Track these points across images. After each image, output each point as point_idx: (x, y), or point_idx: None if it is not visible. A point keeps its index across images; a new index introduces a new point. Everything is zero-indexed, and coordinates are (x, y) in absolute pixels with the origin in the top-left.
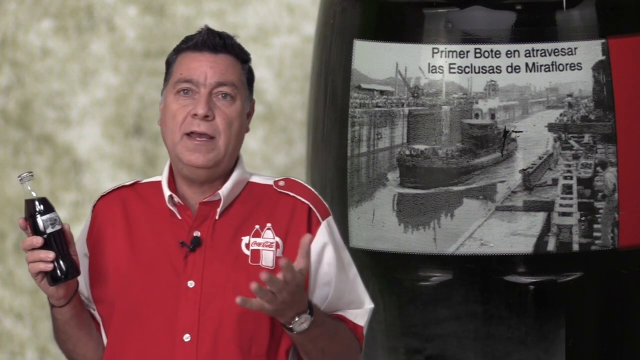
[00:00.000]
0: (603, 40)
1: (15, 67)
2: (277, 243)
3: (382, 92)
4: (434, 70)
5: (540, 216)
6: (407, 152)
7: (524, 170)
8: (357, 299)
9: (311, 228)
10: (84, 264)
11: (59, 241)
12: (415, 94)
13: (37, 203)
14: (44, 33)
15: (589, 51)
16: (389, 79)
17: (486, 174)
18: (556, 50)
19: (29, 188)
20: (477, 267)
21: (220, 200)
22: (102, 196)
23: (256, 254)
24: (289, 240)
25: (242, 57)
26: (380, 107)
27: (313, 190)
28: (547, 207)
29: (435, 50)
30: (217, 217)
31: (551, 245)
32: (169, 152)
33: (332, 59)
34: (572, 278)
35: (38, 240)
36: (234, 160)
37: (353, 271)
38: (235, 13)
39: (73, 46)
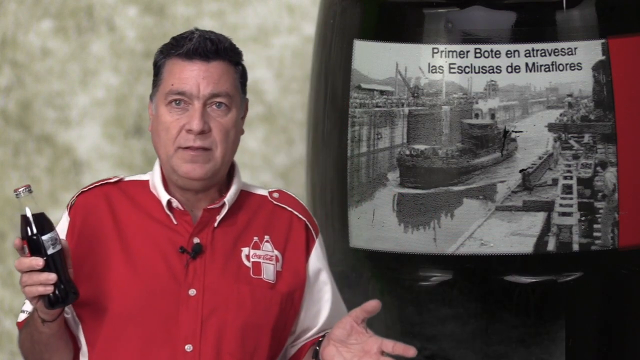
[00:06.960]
0: (603, 40)
1: (15, 68)
2: (276, 257)
3: (382, 92)
4: (434, 70)
5: (540, 216)
6: (407, 152)
7: (524, 170)
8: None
9: (309, 246)
10: None
11: (59, 262)
12: (415, 94)
13: (36, 221)
14: (44, 33)
15: (589, 51)
16: (389, 79)
17: (486, 174)
18: (556, 50)
19: (26, 204)
20: (477, 267)
21: (221, 207)
22: (83, 191)
23: (257, 266)
24: (287, 255)
25: (235, 59)
26: (380, 107)
27: (304, 204)
28: (547, 207)
29: (435, 50)
30: (215, 225)
31: (551, 245)
32: (162, 163)
33: (332, 59)
34: (572, 278)
35: (38, 262)
36: (229, 167)
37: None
38: (235, 13)
39: (73, 46)
